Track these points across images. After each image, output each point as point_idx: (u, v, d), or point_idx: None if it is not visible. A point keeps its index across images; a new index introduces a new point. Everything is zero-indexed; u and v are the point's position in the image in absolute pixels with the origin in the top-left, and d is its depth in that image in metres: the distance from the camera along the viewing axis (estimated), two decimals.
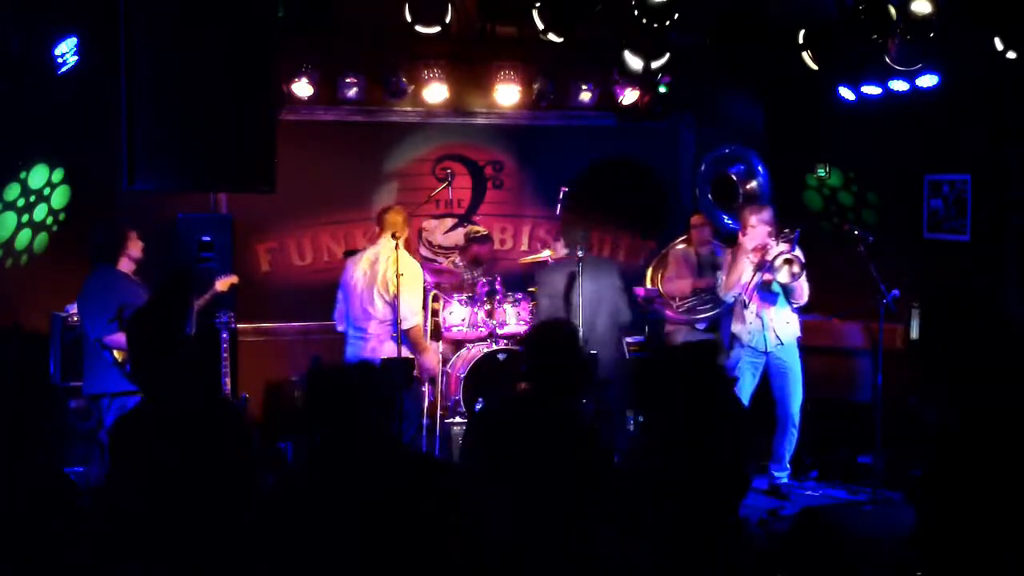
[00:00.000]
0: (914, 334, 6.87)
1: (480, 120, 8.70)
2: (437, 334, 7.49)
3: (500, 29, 7.97)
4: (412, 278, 6.56)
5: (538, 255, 7.79)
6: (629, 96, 8.46)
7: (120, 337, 5.66)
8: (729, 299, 6.83)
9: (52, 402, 6.67)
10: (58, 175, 7.15)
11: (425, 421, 7.12)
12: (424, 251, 8.63)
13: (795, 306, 6.74)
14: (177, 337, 4.01)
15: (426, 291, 6.95)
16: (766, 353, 6.72)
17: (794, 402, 6.75)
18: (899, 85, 7.08)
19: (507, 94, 8.21)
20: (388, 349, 6.53)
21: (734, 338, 6.87)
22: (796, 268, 6.48)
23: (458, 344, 7.68)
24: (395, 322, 6.45)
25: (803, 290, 6.65)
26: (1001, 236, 6.87)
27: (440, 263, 8.42)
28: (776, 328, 6.69)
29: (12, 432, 3.65)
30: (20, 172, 6.92)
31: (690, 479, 3.78)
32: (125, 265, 6.03)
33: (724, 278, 6.82)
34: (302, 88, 7.69)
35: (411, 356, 6.63)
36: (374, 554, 3.17)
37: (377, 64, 7.99)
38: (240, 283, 7.17)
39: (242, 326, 7.45)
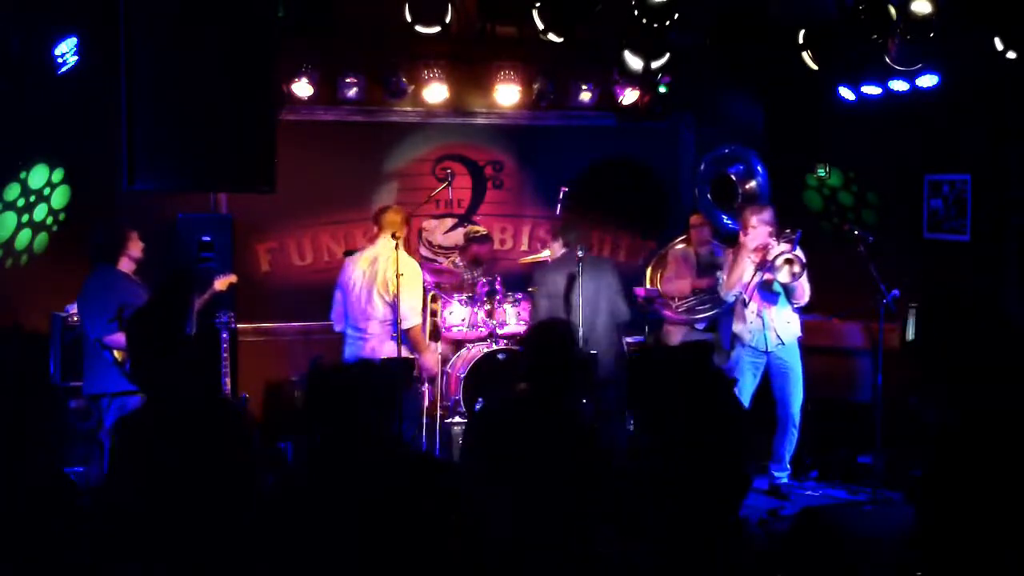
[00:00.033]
0: (909, 335, 6.87)
1: (480, 120, 8.70)
2: (436, 334, 7.49)
3: (500, 29, 7.97)
4: (412, 278, 6.56)
5: (538, 255, 7.79)
6: (629, 96, 8.46)
7: (120, 337, 5.66)
8: (730, 298, 6.83)
9: (52, 402, 6.67)
10: (58, 175, 7.15)
11: (425, 421, 7.12)
12: (424, 251, 8.63)
13: (796, 306, 6.74)
14: (177, 337, 4.01)
15: (425, 291, 6.95)
16: (767, 353, 6.72)
17: (795, 402, 6.75)
18: (899, 85, 7.09)
19: (507, 94, 8.21)
20: (388, 349, 6.52)
21: (735, 338, 6.87)
22: (797, 268, 6.48)
23: (458, 344, 7.68)
24: (395, 322, 6.45)
25: (804, 290, 6.65)
26: (1001, 236, 6.87)
27: (440, 263, 8.42)
28: (777, 328, 6.69)
29: (12, 432, 3.65)
30: (20, 172, 6.92)
31: (690, 479, 3.78)
32: (125, 265, 6.03)
33: (725, 277, 6.82)
34: (302, 88, 7.69)
35: (411, 356, 6.63)
36: (374, 554, 3.17)
37: (377, 64, 7.99)
38: (240, 283, 7.17)
39: (242, 326, 7.45)
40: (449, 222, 8.76)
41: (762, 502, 6.59)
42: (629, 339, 7.73)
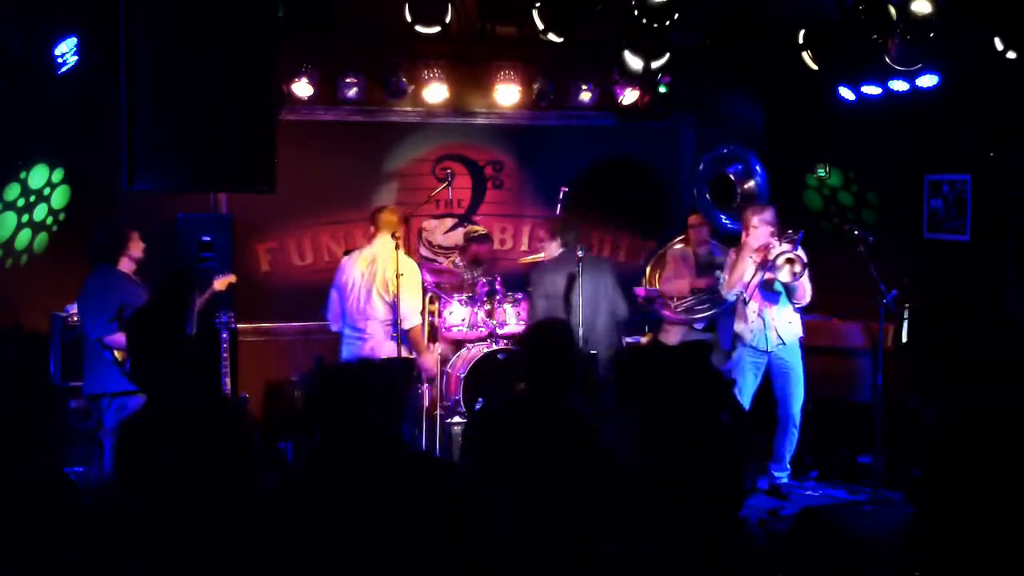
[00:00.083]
0: (904, 337, 6.87)
1: (480, 120, 8.70)
2: (433, 335, 7.48)
3: (500, 29, 7.98)
4: (411, 278, 6.57)
5: (537, 255, 7.80)
6: (629, 96, 8.46)
7: (120, 337, 5.66)
8: (731, 297, 6.83)
9: (52, 402, 6.67)
10: (58, 175, 7.15)
11: (425, 421, 7.11)
12: (424, 251, 8.63)
13: (797, 306, 6.74)
14: (177, 337, 4.01)
15: (423, 291, 6.95)
16: (768, 353, 6.72)
17: (795, 402, 6.74)
18: (899, 85, 7.09)
19: (507, 94, 8.21)
20: (388, 349, 6.53)
21: (736, 337, 6.87)
22: (798, 268, 6.48)
23: (458, 344, 7.68)
24: (395, 322, 6.45)
25: (805, 290, 6.65)
26: (1001, 236, 6.87)
27: (440, 263, 8.42)
28: (778, 328, 6.69)
29: (12, 432, 3.65)
30: (20, 172, 6.92)
31: (690, 479, 3.78)
32: (126, 265, 6.03)
33: (727, 277, 6.82)
34: (302, 88, 7.69)
35: (411, 356, 6.63)
36: (374, 554, 3.17)
37: (377, 64, 7.99)
38: (240, 283, 7.17)
39: (242, 326, 7.45)
40: (449, 222, 8.76)
41: (762, 502, 6.58)
42: (629, 339, 7.72)
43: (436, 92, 8.04)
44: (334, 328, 6.82)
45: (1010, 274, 6.79)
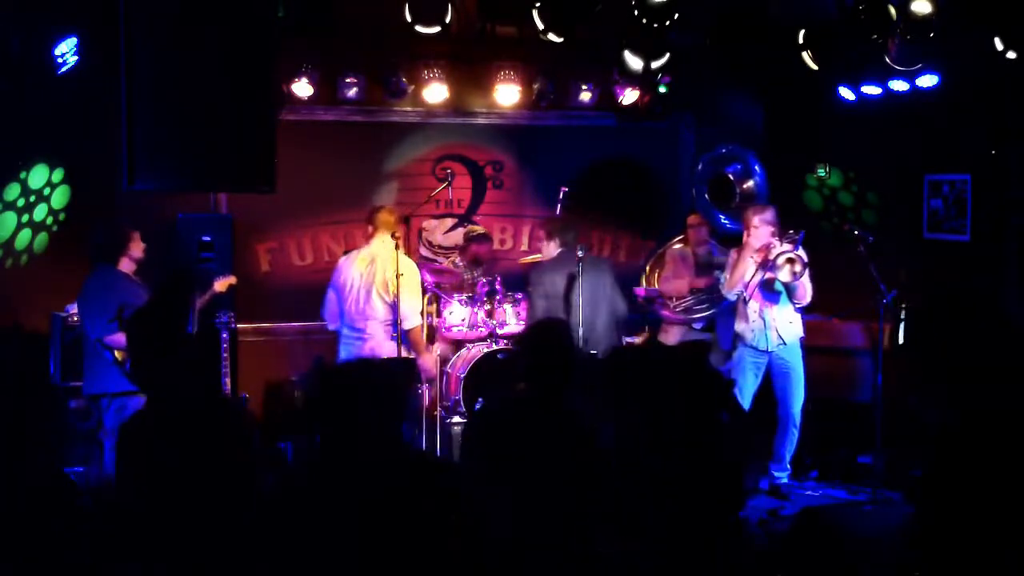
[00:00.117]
0: (900, 338, 6.87)
1: (480, 120, 8.70)
2: (431, 336, 7.48)
3: (500, 29, 7.98)
4: (411, 278, 6.57)
5: (536, 255, 7.79)
6: (629, 96, 8.47)
7: (120, 337, 5.66)
8: (732, 297, 6.83)
9: (52, 402, 6.67)
10: (58, 175, 7.15)
11: (425, 421, 7.11)
12: (424, 251, 8.63)
13: (798, 306, 6.74)
14: (177, 337, 4.01)
15: (423, 292, 6.95)
16: (768, 353, 6.72)
17: (795, 402, 6.74)
18: (899, 85, 7.09)
19: (507, 94, 8.21)
20: (388, 349, 6.52)
21: (737, 337, 6.87)
22: (798, 267, 6.48)
23: (458, 344, 7.68)
24: (395, 322, 6.45)
25: (806, 290, 6.65)
26: (1001, 236, 6.87)
27: (440, 263, 8.42)
28: (779, 328, 6.69)
29: (12, 432, 3.65)
30: (20, 172, 6.92)
31: (689, 479, 3.78)
32: (126, 265, 6.03)
33: (728, 276, 6.83)
34: (302, 88, 7.69)
35: (412, 356, 6.63)
36: (374, 554, 3.17)
37: (377, 64, 7.99)
38: (240, 283, 7.17)
39: (242, 326, 7.45)
40: (449, 222, 8.76)
41: (762, 502, 6.58)
42: (629, 339, 7.72)
43: (436, 92, 8.04)
44: (331, 327, 6.83)
45: (1010, 274, 6.79)
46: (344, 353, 6.67)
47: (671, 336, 7.67)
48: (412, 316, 6.55)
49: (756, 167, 7.53)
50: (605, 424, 3.89)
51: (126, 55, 5.42)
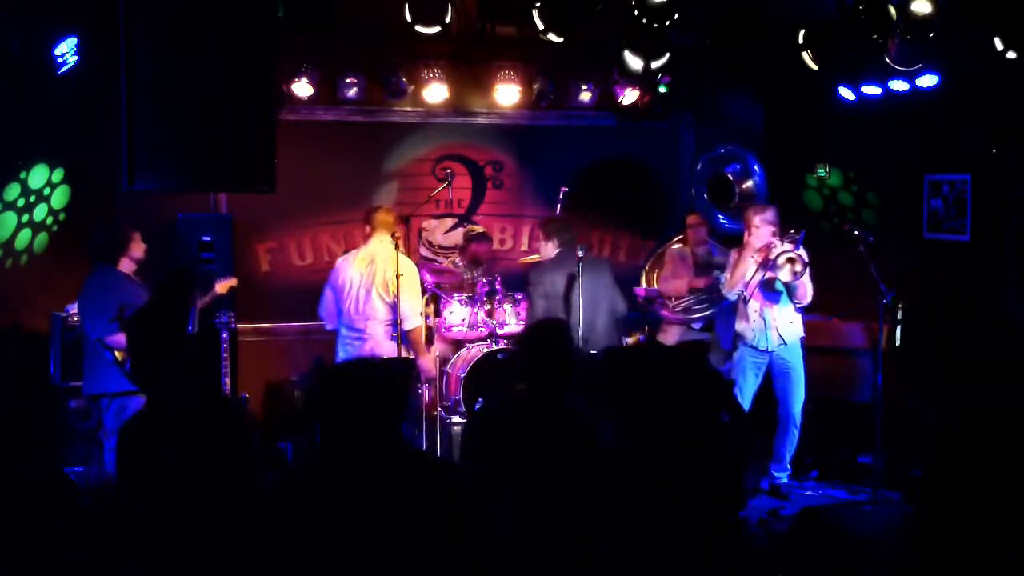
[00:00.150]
0: (898, 340, 6.86)
1: (480, 120, 8.70)
2: (429, 336, 7.47)
3: (500, 29, 7.98)
4: (411, 278, 6.57)
5: (536, 256, 7.79)
6: (629, 96, 8.47)
7: (121, 337, 5.67)
8: (732, 296, 6.84)
9: (52, 402, 6.67)
10: (58, 175, 7.15)
11: (425, 421, 7.11)
12: (424, 251, 8.63)
13: (798, 306, 6.74)
14: (177, 337, 4.01)
15: (423, 292, 6.95)
16: (769, 352, 6.72)
17: (796, 402, 6.74)
18: (899, 85, 7.09)
19: (507, 94, 8.22)
20: (387, 349, 6.52)
21: (737, 337, 6.87)
22: (798, 267, 6.48)
23: (458, 344, 7.68)
24: (395, 322, 6.45)
25: (806, 289, 6.65)
26: (1001, 236, 6.87)
27: (440, 263, 8.42)
28: (779, 328, 6.69)
29: (12, 432, 3.65)
30: (20, 172, 6.92)
31: (689, 479, 3.78)
32: (126, 265, 6.04)
33: (728, 276, 6.83)
34: (302, 88, 7.69)
35: (411, 356, 6.63)
36: (374, 554, 3.17)
37: (377, 64, 7.99)
38: (240, 283, 7.17)
39: (242, 326, 7.45)
40: (449, 222, 8.76)
41: (762, 502, 6.58)
42: (629, 339, 7.72)
43: (436, 92, 8.04)
44: (329, 327, 6.83)
45: (1010, 274, 6.79)
46: (343, 354, 6.67)
47: (670, 336, 7.67)
48: (412, 316, 6.55)
49: (755, 167, 7.53)
50: (605, 424, 3.88)
51: (126, 55, 5.42)
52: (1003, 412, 2.90)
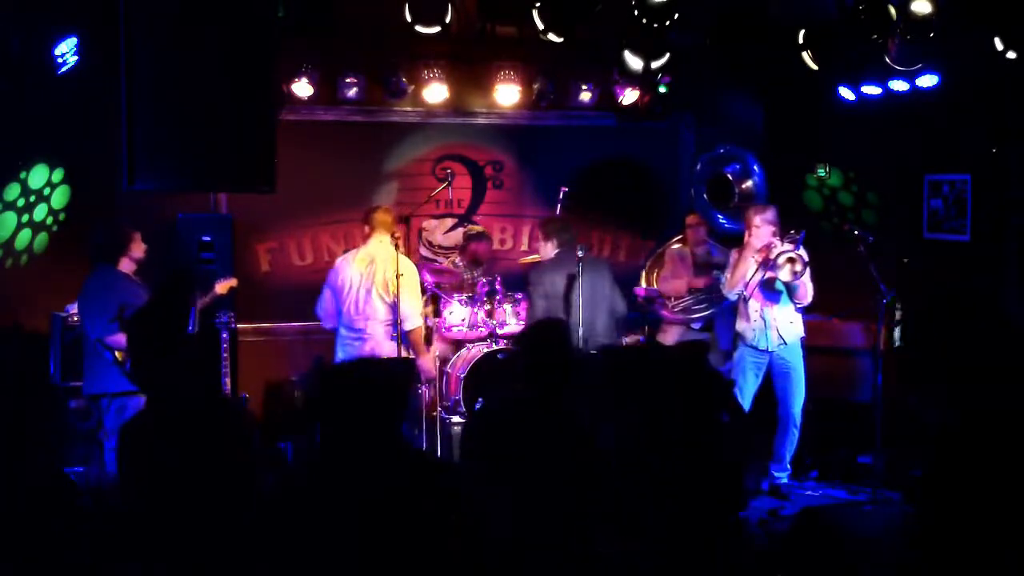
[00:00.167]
0: (897, 340, 6.86)
1: (480, 120, 8.70)
2: (428, 337, 7.47)
3: (500, 29, 7.98)
4: (412, 278, 6.57)
5: (536, 255, 7.79)
6: (629, 96, 8.47)
7: (121, 337, 5.67)
8: (732, 296, 6.84)
9: (52, 402, 6.67)
10: (58, 175, 7.15)
11: (424, 421, 7.11)
12: (424, 251, 8.63)
13: (799, 306, 6.74)
14: (177, 337, 4.01)
15: (423, 292, 6.95)
16: (769, 353, 6.72)
17: (796, 402, 6.74)
18: (899, 85, 7.09)
19: (507, 94, 8.21)
20: (388, 350, 6.52)
21: (738, 337, 6.87)
22: (798, 267, 6.48)
23: (458, 344, 7.68)
24: (395, 322, 6.45)
25: (807, 289, 6.65)
26: (1001, 236, 6.87)
27: (440, 263, 8.42)
28: (779, 328, 6.69)
29: (12, 432, 3.65)
30: (20, 172, 6.93)
31: (690, 479, 3.78)
32: (126, 265, 6.03)
33: (729, 276, 6.83)
34: (302, 88, 7.69)
35: (412, 356, 6.63)
36: (374, 554, 3.17)
37: (377, 64, 7.99)
38: (240, 283, 7.17)
39: (242, 326, 7.45)
40: (449, 222, 8.76)
41: (762, 502, 6.58)
42: (629, 340, 7.72)
43: (436, 92, 8.04)
44: (327, 325, 6.84)
45: (1010, 274, 6.79)
46: (342, 354, 6.67)
47: (670, 336, 7.67)
48: (413, 317, 6.55)
49: (755, 167, 7.52)
50: (605, 424, 3.88)
51: (126, 55, 5.42)
52: (1003, 412, 2.90)
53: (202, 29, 5.53)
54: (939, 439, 3.01)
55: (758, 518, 6.18)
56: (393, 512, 3.21)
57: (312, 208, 8.30)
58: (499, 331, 7.48)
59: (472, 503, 3.63)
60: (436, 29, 6.59)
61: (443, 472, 3.51)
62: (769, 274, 6.59)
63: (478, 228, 8.27)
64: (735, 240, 6.95)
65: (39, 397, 6.71)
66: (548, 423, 3.86)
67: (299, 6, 6.75)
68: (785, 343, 6.70)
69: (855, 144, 7.94)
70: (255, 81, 5.67)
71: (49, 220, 7.16)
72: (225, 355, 6.84)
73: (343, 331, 6.68)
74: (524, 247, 8.83)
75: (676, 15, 6.57)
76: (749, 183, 7.53)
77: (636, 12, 6.55)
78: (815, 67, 7.06)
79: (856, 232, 6.71)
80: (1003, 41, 6.16)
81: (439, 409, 7.18)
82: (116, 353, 5.75)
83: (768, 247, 6.59)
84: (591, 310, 6.68)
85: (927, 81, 6.94)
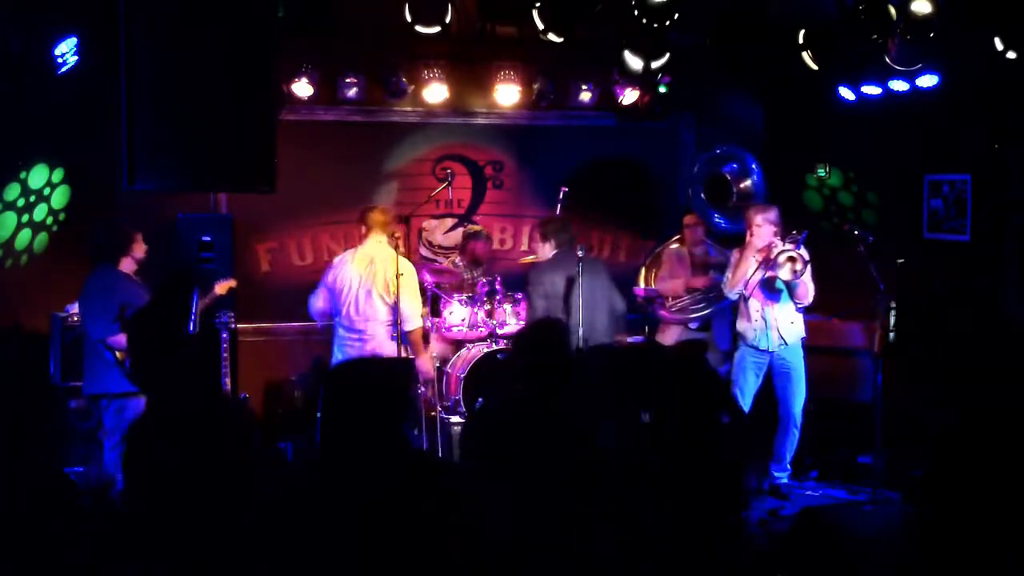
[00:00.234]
0: (891, 337, 6.86)
1: (480, 120, 8.70)
2: (426, 337, 7.47)
3: (500, 29, 7.98)
4: (411, 279, 6.57)
5: (535, 255, 7.78)
6: (629, 96, 8.47)
7: (122, 337, 5.66)
8: (733, 296, 6.84)
9: (52, 402, 6.67)
10: (58, 175, 7.15)
11: (424, 421, 7.11)
12: (424, 251, 8.63)
13: (800, 306, 6.74)
14: (177, 337, 4.01)
15: (423, 292, 6.95)
16: (769, 353, 6.72)
17: (796, 402, 6.74)
18: (899, 85, 7.09)
19: (507, 94, 8.21)
20: (388, 350, 6.52)
21: (738, 336, 6.87)
22: (799, 265, 6.48)
23: (458, 344, 7.67)
24: (395, 323, 6.45)
25: (807, 289, 6.65)
26: (1001, 236, 6.87)
27: (440, 263, 8.42)
28: (780, 328, 6.69)
29: (12, 432, 3.65)
30: (20, 172, 6.93)
31: (690, 479, 3.78)
32: (127, 265, 6.04)
33: (730, 276, 6.83)
34: (302, 88, 7.69)
35: (411, 357, 6.63)
36: (374, 554, 3.17)
37: (377, 64, 7.99)
38: (240, 283, 7.17)
39: (242, 326, 7.45)
40: (449, 222, 8.76)
41: (762, 502, 6.58)
42: (629, 340, 7.71)
43: (436, 92, 8.04)
44: (321, 325, 6.84)
45: (1010, 274, 6.79)
46: (340, 355, 6.64)
47: (669, 336, 7.66)
48: (413, 318, 6.55)
49: (753, 166, 7.52)
50: (605, 424, 3.89)
51: (126, 55, 5.41)
52: (1003, 412, 2.91)
53: (202, 29, 5.52)
54: (939, 439, 3.01)
55: (758, 518, 6.18)
56: (393, 512, 3.21)
57: (312, 208, 8.30)
58: (499, 331, 7.48)
59: (472, 503, 3.63)
60: (436, 29, 6.59)
61: (443, 472, 3.50)
62: (769, 273, 6.59)
63: (477, 227, 8.27)
64: (733, 240, 6.95)
65: (39, 397, 6.71)
66: (548, 423, 3.86)
67: (299, 6, 6.75)
68: (786, 343, 6.70)
69: (855, 144, 7.95)
70: (255, 81, 5.67)
71: (49, 220, 7.16)
72: (225, 355, 6.84)
73: (342, 332, 6.68)
74: (524, 247, 8.82)
75: (676, 15, 6.57)
76: (747, 183, 7.53)
77: (636, 12, 6.55)
78: (815, 67, 7.06)
79: (856, 232, 6.71)
80: (1003, 41, 6.16)
81: (439, 409, 7.18)
82: (117, 353, 5.75)
83: (769, 247, 6.59)
84: (591, 310, 6.67)
85: (927, 81, 6.94)
